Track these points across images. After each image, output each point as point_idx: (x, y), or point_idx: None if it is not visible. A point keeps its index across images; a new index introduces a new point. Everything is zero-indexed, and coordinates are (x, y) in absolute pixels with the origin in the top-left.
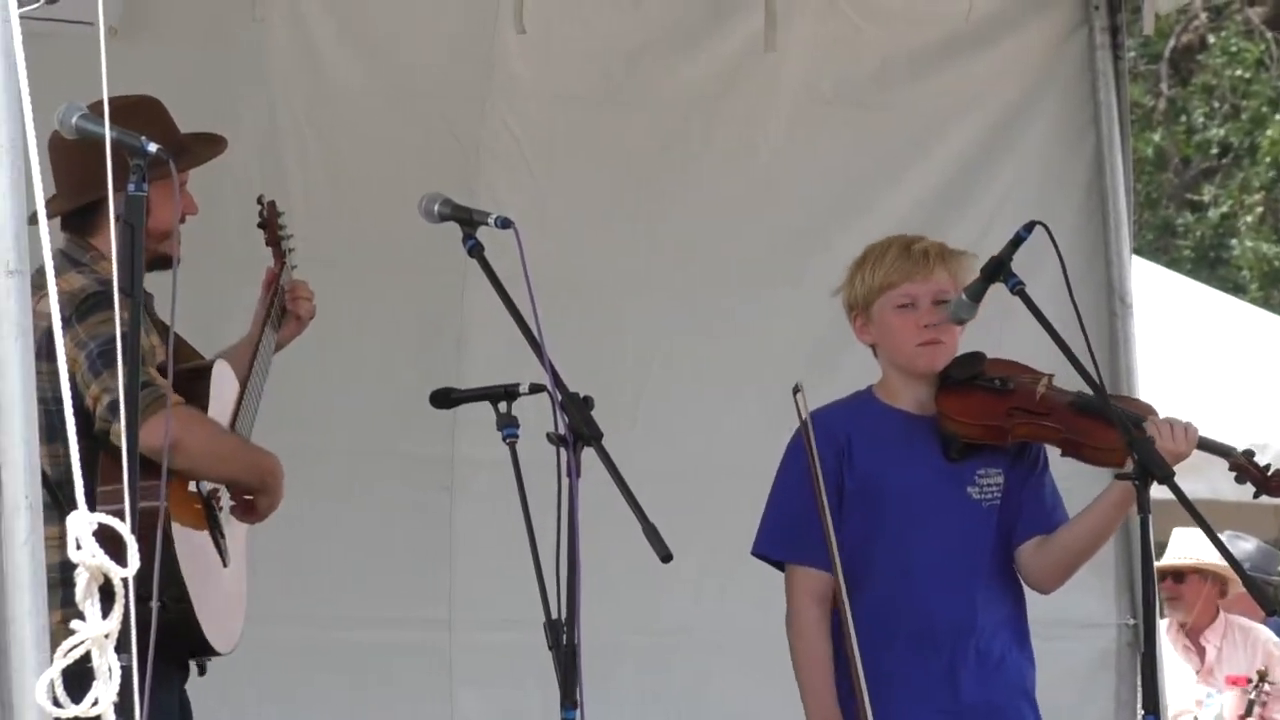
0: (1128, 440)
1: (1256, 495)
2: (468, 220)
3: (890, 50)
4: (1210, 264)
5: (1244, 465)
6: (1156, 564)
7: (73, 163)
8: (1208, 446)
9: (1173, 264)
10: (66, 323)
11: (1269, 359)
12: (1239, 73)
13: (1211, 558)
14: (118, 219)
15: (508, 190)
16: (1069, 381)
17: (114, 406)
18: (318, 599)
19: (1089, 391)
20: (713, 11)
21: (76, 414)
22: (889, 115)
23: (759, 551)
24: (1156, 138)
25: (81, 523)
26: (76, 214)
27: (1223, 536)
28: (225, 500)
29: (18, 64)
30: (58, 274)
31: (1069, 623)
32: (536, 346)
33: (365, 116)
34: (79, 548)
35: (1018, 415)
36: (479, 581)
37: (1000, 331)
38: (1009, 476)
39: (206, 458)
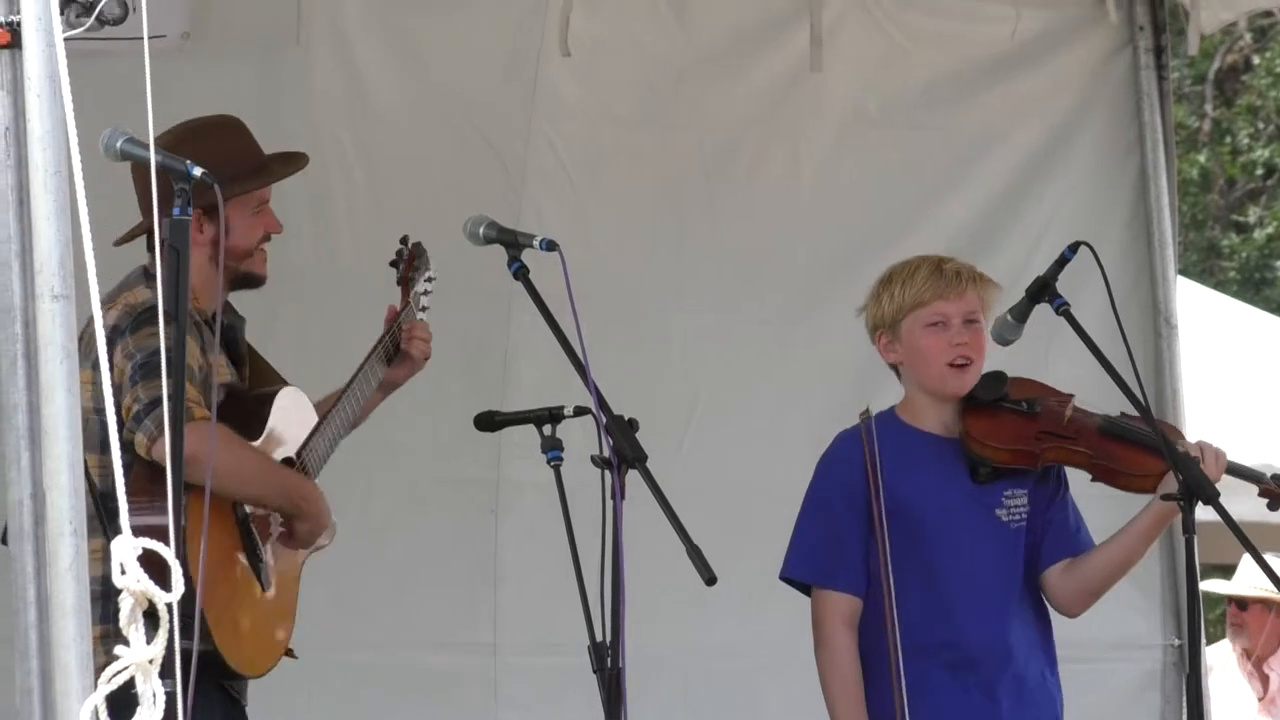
0: (1173, 461)
1: None
2: (512, 243)
3: (936, 71)
4: (1255, 285)
5: (1274, 491)
6: (1223, 589)
7: (143, 183)
8: (1236, 472)
9: (1219, 285)
10: (120, 334)
11: None
12: None
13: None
14: (163, 243)
15: (553, 211)
16: (1114, 402)
17: (138, 416)
18: (364, 622)
19: (1114, 414)
20: (759, 32)
21: (97, 426)
22: (935, 135)
23: (788, 575)
24: (1201, 159)
25: (126, 548)
26: (146, 233)
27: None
28: (276, 526)
29: (63, 89)
30: (130, 288)
31: (1115, 644)
32: (581, 369)
33: (409, 138)
34: (123, 573)
35: (1047, 439)
36: (524, 604)
37: (1045, 352)
38: (1033, 498)
39: (228, 476)
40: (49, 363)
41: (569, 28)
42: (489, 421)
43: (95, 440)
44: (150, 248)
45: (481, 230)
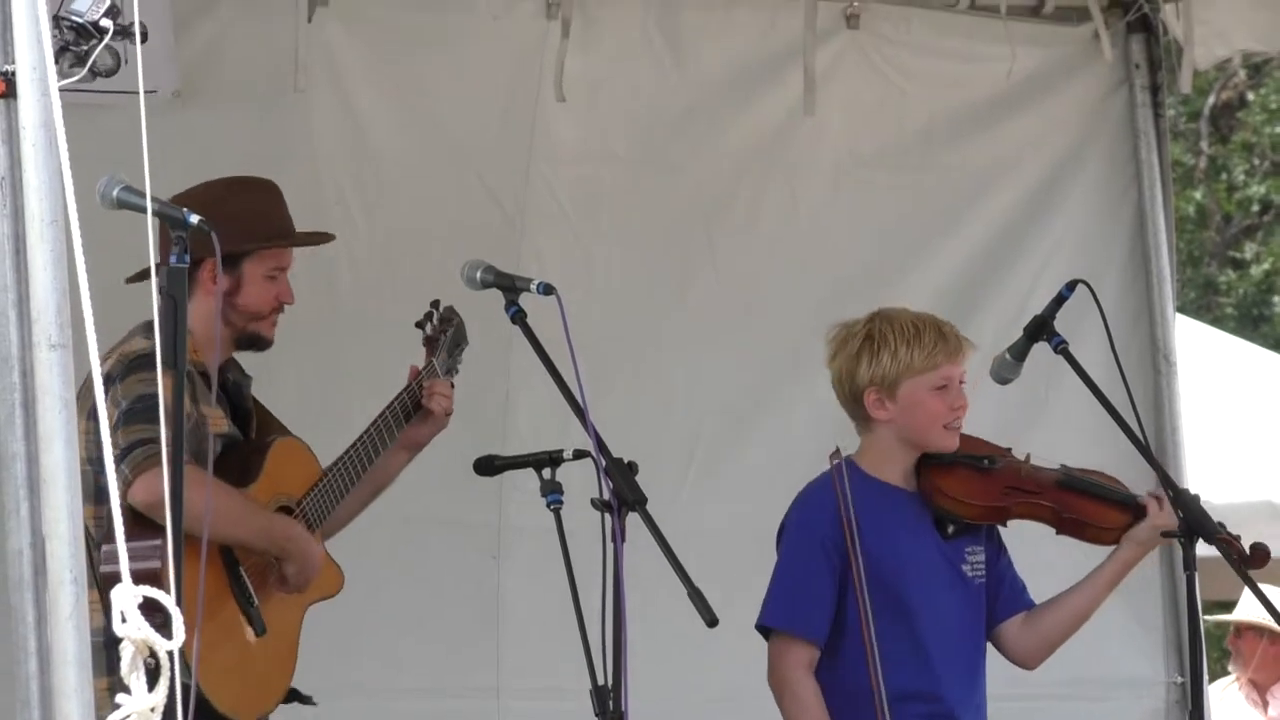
0: (1173, 498)
1: (1239, 570)
2: (510, 287)
3: (932, 112)
4: (1253, 321)
5: (1228, 540)
6: (1220, 618)
7: (166, 234)
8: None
9: (1216, 322)
10: (112, 382)
11: None
12: (1279, 130)
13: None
14: (160, 291)
15: (553, 254)
16: (1115, 440)
17: (116, 460)
18: (366, 666)
19: (1059, 467)
20: (755, 75)
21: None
22: (932, 176)
23: (767, 624)
24: (1198, 195)
25: (127, 596)
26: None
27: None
28: (273, 571)
29: (59, 139)
30: (128, 340)
31: (1119, 682)
32: (580, 412)
33: (409, 183)
34: (124, 621)
35: (1014, 494)
36: (526, 649)
37: (1045, 391)
38: (987, 555)
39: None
40: (47, 412)
41: (564, 71)
42: (488, 466)
43: (90, 491)
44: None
45: (479, 274)
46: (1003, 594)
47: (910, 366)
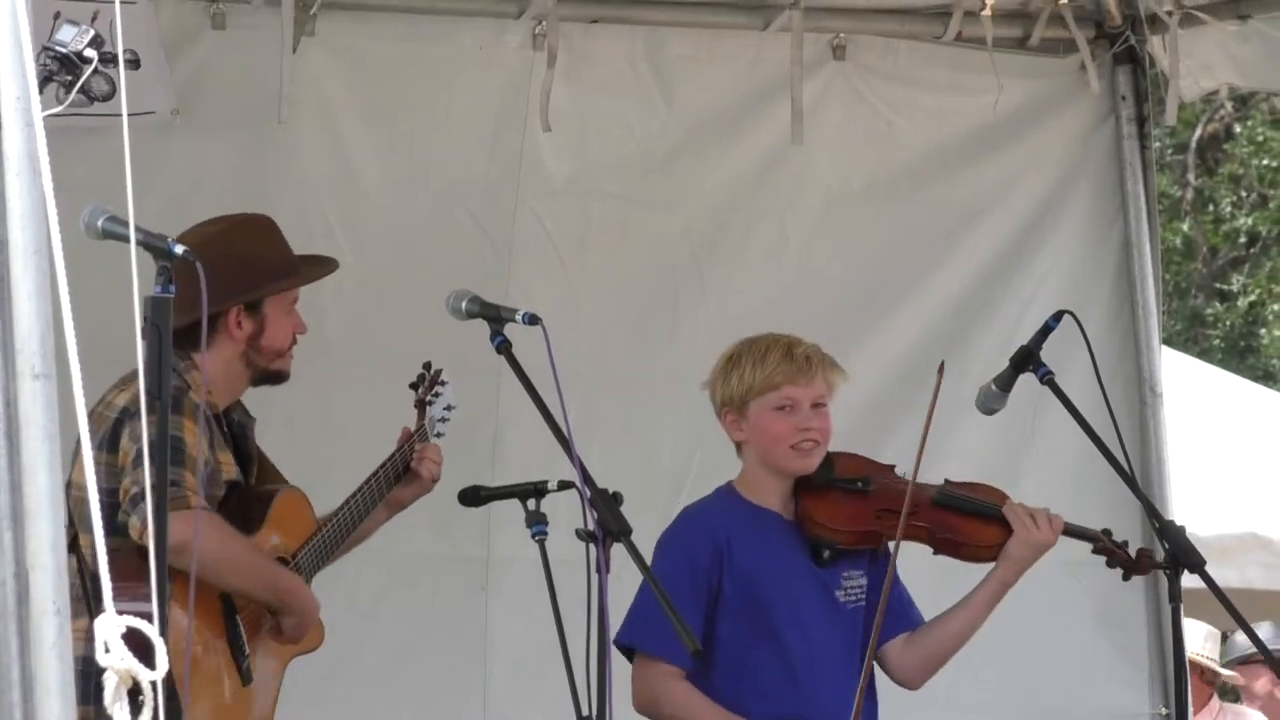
0: (1157, 529)
1: (1126, 577)
2: (495, 317)
3: (920, 144)
4: (1240, 353)
5: (1110, 549)
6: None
7: (183, 281)
8: (1072, 532)
9: (1203, 354)
10: (130, 416)
11: None
12: (1266, 161)
13: (1193, 649)
14: (145, 320)
15: (541, 287)
16: (1101, 471)
17: (135, 500)
18: (353, 700)
19: (940, 483)
20: (743, 107)
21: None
22: (920, 209)
23: (623, 640)
24: (1185, 227)
25: (110, 626)
26: (183, 329)
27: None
28: (265, 622)
29: (42, 168)
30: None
31: (1103, 713)
32: (565, 442)
33: (396, 216)
34: (107, 651)
35: (887, 517)
36: (513, 680)
37: (1032, 422)
38: (869, 578)
39: (216, 566)
40: (30, 441)
41: (550, 103)
42: (474, 497)
43: (90, 520)
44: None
45: (464, 305)
46: (887, 617)
47: (752, 387)
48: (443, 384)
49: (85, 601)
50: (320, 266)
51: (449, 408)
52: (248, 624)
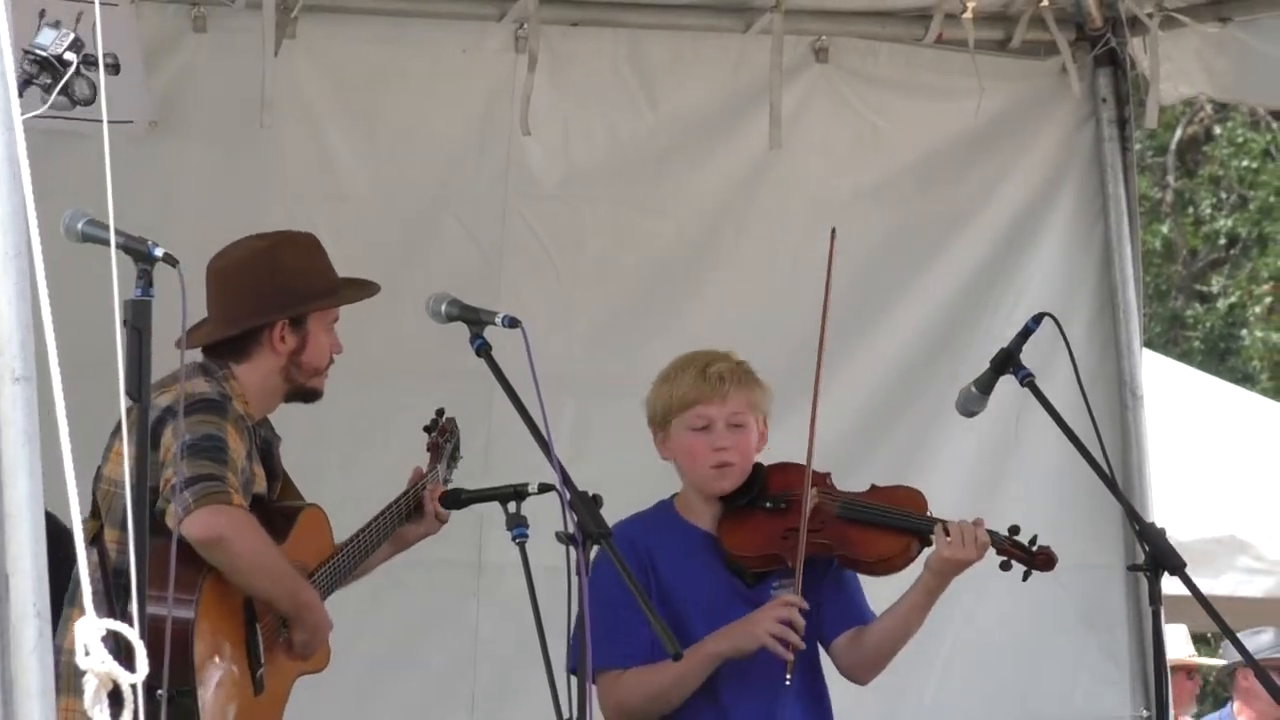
0: (1138, 532)
1: (1025, 577)
2: (475, 320)
3: (905, 148)
4: (1220, 355)
5: (1010, 550)
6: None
7: (224, 293)
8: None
9: (1183, 356)
10: (173, 415)
11: None
12: (1245, 163)
13: (1175, 653)
14: (125, 323)
15: (532, 291)
16: (1081, 473)
17: (176, 488)
18: (344, 704)
19: (855, 493)
20: (729, 111)
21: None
22: (905, 214)
23: (600, 665)
24: (1164, 229)
25: (90, 628)
26: (224, 341)
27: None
28: (279, 635)
29: (22, 171)
30: (189, 379)
31: (1085, 715)
32: (544, 444)
33: (382, 222)
34: (87, 654)
35: (792, 537)
36: (501, 685)
37: (1015, 424)
38: (807, 581)
39: (247, 566)
40: (10, 445)
41: (532, 107)
42: (455, 500)
43: (120, 515)
44: (206, 352)
45: (443, 308)
46: (828, 615)
47: (669, 406)
48: (452, 432)
49: (107, 595)
50: (363, 289)
51: (456, 458)
52: (265, 636)
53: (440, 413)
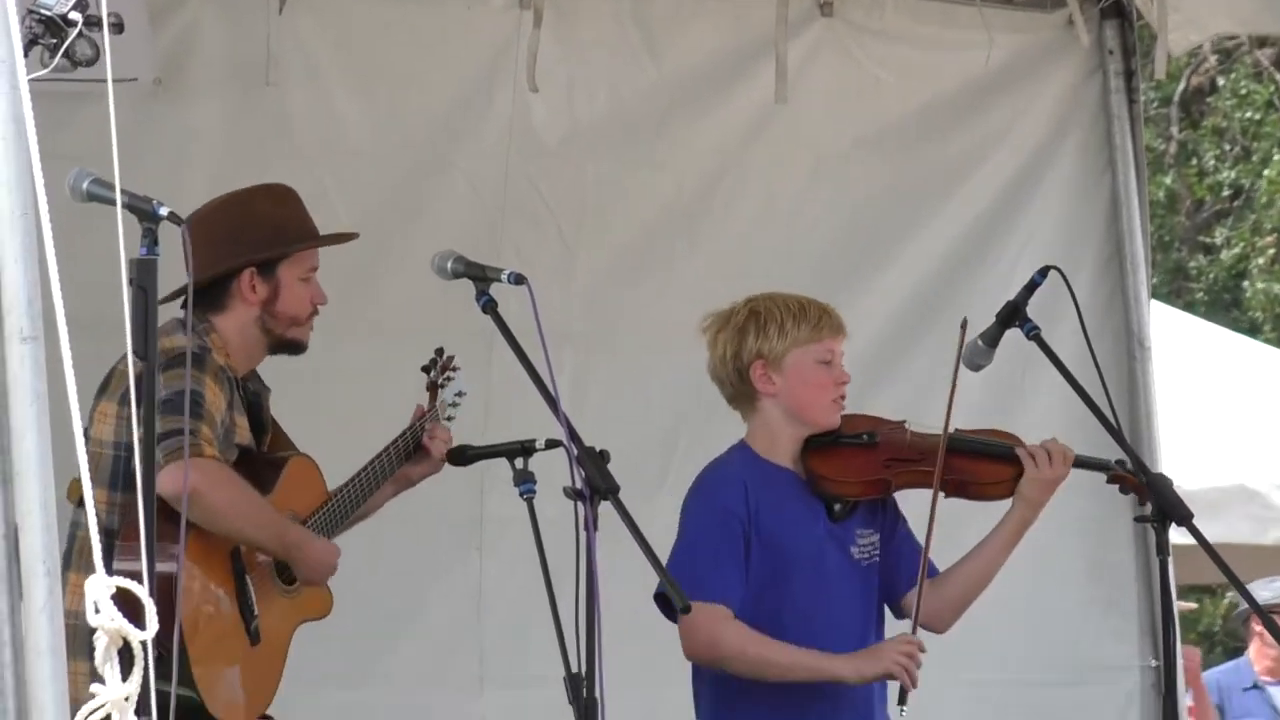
0: (1144, 481)
1: (1142, 501)
2: (480, 276)
3: (909, 101)
4: (1224, 306)
5: (1121, 475)
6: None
7: (197, 242)
8: (1084, 464)
9: (1187, 307)
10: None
11: None
12: (1249, 115)
13: None
14: (130, 283)
15: (534, 247)
16: (1090, 426)
17: (158, 438)
18: (349, 659)
19: (951, 430)
20: (732, 65)
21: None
22: (909, 166)
23: (700, 597)
24: (1168, 181)
25: (100, 586)
26: (201, 290)
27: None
28: (275, 581)
29: (29, 132)
30: (167, 334)
31: (1093, 666)
32: (551, 401)
33: (388, 176)
34: (97, 611)
35: (895, 465)
36: (508, 638)
37: (1021, 377)
38: (882, 534)
39: (224, 514)
40: (19, 404)
41: (539, 62)
42: (461, 456)
43: (107, 475)
44: (183, 304)
45: (450, 265)
46: (902, 566)
47: (797, 339)
48: (455, 369)
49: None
50: (334, 236)
51: (460, 394)
52: (257, 585)
53: (440, 352)
